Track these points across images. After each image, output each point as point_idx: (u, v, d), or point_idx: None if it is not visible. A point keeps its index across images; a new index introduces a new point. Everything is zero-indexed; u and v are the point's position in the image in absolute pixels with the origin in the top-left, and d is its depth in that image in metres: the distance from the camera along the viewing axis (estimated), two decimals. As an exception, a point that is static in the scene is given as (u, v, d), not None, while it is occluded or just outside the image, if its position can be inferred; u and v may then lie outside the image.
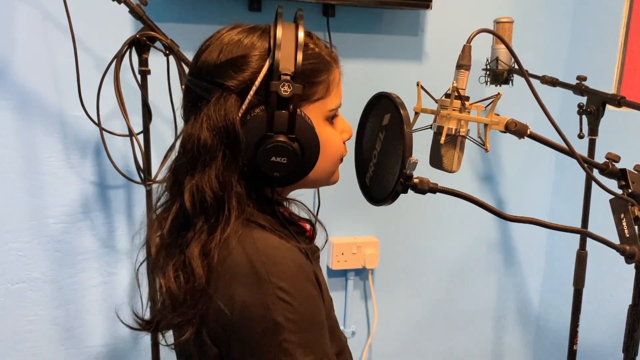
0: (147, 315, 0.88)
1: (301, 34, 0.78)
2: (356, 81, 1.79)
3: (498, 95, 0.90)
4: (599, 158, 1.38)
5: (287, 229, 0.82)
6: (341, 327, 1.95)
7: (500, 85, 1.73)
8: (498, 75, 1.69)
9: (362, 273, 1.96)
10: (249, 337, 0.71)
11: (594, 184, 1.52)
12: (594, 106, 1.41)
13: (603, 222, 1.55)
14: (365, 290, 1.98)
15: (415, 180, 0.81)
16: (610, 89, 1.87)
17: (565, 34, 2.01)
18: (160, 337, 0.84)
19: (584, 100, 1.46)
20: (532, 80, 1.63)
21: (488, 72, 1.71)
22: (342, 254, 1.87)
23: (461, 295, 2.10)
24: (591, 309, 1.83)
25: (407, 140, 0.79)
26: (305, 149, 0.78)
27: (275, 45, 0.76)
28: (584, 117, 1.44)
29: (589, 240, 1.62)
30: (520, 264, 2.15)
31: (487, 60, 1.73)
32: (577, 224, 1.59)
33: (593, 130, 1.43)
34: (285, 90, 0.75)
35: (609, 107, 1.43)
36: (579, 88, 1.45)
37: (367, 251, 1.89)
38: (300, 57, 0.76)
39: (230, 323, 0.73)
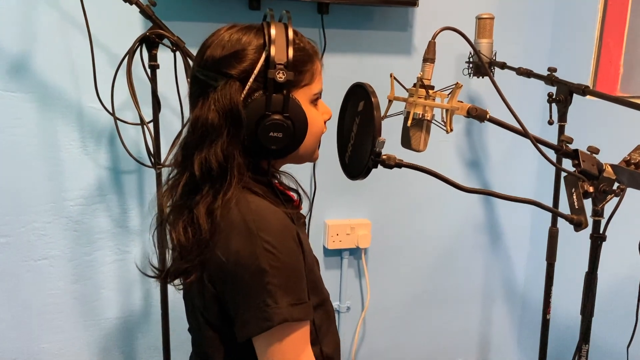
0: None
1: (290, 32, 0.93)
2: (349, 74, 1.93)
3: (457, 85, 1.04)
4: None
5: (277, 196, 0.97)
6: (337, 303, 2.12)
7: (482, 77, 1.87)
8: (480, 67, 1.83)
9: (355, 252, 2.10)
10: (241, 279, 0.87)
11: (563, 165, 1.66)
12: (563, 95, 1.54)
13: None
14: (359, 269, 2.13)
15: (384, 157, 0.95)
16: (588, 79, 2.00)
17: (546, 29, 2.14)
18: (173, 282, 1.00)
19: (554, 89, 1.60)
20: (510, 71, 1.78)
21: (471, 65, 1.85)
22: (337, 234, 2.02)
23: (449, 274, 2.24)
24: (569, 282, 1.96)
25: (376, 123, 0.93)
26: (296, 126, 0.94)
27: (270, 41, 0.91)
28: (554, 105, 1.57)
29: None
30: (506, 244, 2.28)
31: (470, 53, 1.86)
32: (560, 207, 1.72)
33: (562, 117, 1.57)
34: (280, 76, 0.90)
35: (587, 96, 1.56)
36: (550, 78, 1.58)
37: (360, 232, 2.03)
38: (291, 50, 0.92)
39: (226, 268, 0.88)
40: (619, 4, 1.94)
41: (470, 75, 1.87)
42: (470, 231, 2.22)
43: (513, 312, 2.36)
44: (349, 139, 1.04)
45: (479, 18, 1.83)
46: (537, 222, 2.25)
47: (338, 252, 2.08)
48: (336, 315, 2.11)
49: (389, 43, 1.98)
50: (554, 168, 2.19)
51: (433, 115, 1.06)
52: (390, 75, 1.11)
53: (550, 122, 1.56)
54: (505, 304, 2.35)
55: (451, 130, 1.06)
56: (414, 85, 1.08)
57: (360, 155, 1.00)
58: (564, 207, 1.68)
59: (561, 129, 1.58)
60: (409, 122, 1.04)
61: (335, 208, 2.05)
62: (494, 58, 1.84)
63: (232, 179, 0.91)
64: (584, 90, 1.47)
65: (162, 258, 0.98)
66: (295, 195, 1.07)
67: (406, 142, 1.10)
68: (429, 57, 1.04)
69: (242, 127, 0.91)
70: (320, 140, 1.04)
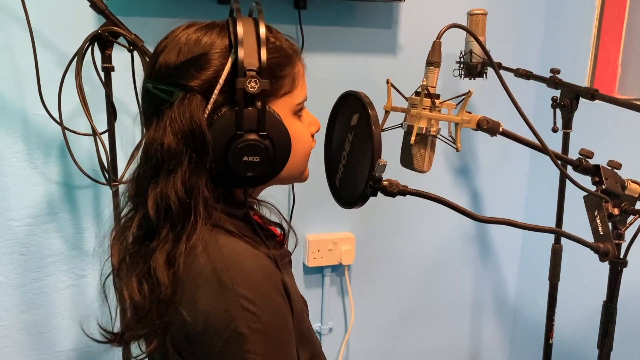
0: (117, 327, 0.85)
1: (263, 28, 0.75)
2: (328, 75, 1.76)
3: (469, 93, 0.88)
4: (573, 151, 1.38)
5: (257, 233, 0.79)
6: (318, 324, 1.94)
7: (474, 79, 1.72)
8: (472, 68, 1.67)
9: (338, 269, 1.94)
10: (212, 347, 0.69)
11: (567, 180, 1.52)
12: (568, 99, 1.40)
13: (577, 216, 1.55)
14: (342, 287, 1.96)
15: (385, 183, 0.78)
16: (584, 80, 1.87)
17: (538, 25, 2.00)
18: (133, 348, 0.81)
19: (557, 93, 1.45)
20: (505, 73, 1.63)
21: (462, 65, 1.69)
22: (318, 250, 1.85)
23: (438, 289, 2.09)
24: (566, 300, 1.84)
25: (375, 141, 0.76)
26: (277, 146, 0.76)
27: (237, 41, 0.73)
28: (558, 111, 1.43)
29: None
30: (496, 257, 2.15)
31: (461, 53, 1.71)
32: (552, 217, 1.59)
33: (567, 124, 1.42)
34: (252, 86, 0.73)
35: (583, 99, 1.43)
36: (553, 81, 1.43)
37: (343, 247, 1.87)
38: (264, 51, 0.74)
39: (194, 332, 0.71)
40: (617, -1, 1.81)
41: (461, 77, 1.71)
42: (458, 243, 2.08)
43: (503, 328, 2.23)
44: (340, 158, 0.87)
45: (470, 14, 1.67)
46: (528, 234, 2.12)
47: (319, 270, 1.91)
48: (317, 337, 1.94)
49: (373, 41, 1.82)
50: (545, 176, 2.07)
51: (439, 130, 0.90)
52: (387, 82, 0.94)
53: (555, 130, 1.41)
54: (496, 320, 2.21)
55: (460, 148, 0.89)
56: (416, 93, 0.91)
57: (354, 179, 0.83)
58: (567, 222, 1.56)
59: (565, 137, 1.43)
60: (413, 138, 0.87)
61: (315, 221, 1.88)
62: (486, 58, 1.69)
63: (198, 218, 0.72)
64: (592, 94, 1.32)
65: (122, 317, 0.78)
66: (278, 230, 0.89)
67: (407, 162, 0.93)
68: (434, 60, 0.87)
69: (208, 152, 0.73)
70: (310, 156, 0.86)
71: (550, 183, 2.03)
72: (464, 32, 1.70)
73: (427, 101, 0.87)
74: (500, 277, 2.17)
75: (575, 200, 1.54)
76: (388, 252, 1.99)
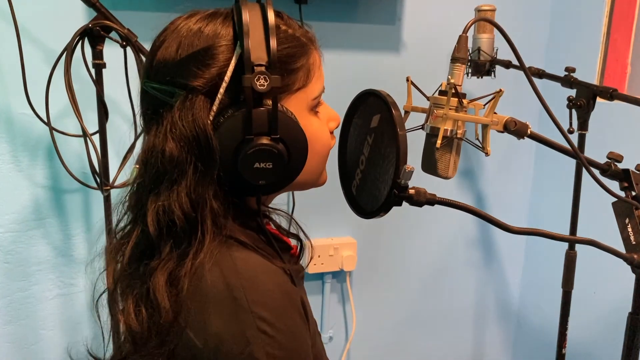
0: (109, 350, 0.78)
1: (271, 15, 0.67)
2: (330, 73, 1.67)
3: (500, 92, 0.81)
4: (588, 153, 1.31)
5: (272, 245, 0.72)
6: (318, 333, 1.87)
7: (481, 77, 1.65)
8: (480, 66, 1.61)
9: (339, 275, 1.86)
10: None
11: (583, 182, 1.46)
12: (584, 99, 1.33)
13: (584, 218, 1.49)
14: (342, 294, 1.89)
15: (411, 192, 0.71)
16: (593, 78, 1.81)
17: (545, 22, 1.94)
18: None
19: (570, 92, 1.39)
20: (514, 71, 1.56)
21: (469, 63, 1.62)
22: (319, 256, 1.77)
23: (440, 294, 2.03)
24: (574, 306, 1.78)
25: (401, 145, 0.69)
26: (292, 150, 0.68)
27: (242, 32, 0.65)
28: (574, 111, 1.36)
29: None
30: (499, 261, 2.09)
31: (469, 50, 1.64)
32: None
33: (583, 125, 1.36)
34: (262, 84, 0.64)
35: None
36: (568, 80, 1.37)
37: (345, 253, 1.79)
38: (274, 42, 0.66)
39: (202, 358, 0.63)
40: (627, -5, 1.75)
41: (468, 75, 1.65)
42: (462, 248, 2.01)
43: (507, 333, 2.17)
44: (358, 163, 0.80)
45: (479, 10, 1.60)
46: (532, 238, 2.06)
47: (319, 276, 1.84)
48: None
49: (375, 38, 1.74)
50: (551, 176, 2.01)
51: (464, 132, 0.83)
52: (407, 79, 0.87)
53: (571, 131, 1.35)
54: (499, 325, 2.15)
55: (489, 152, 0.83)
56: (440, 92, 0.83)
57: (375, 186, 0.76)
58: (583, 227, 1.50)
59: (581, 139, 1.37)
60: (439, 141, 0.80)
61: (315, 225, 1.80)
62: (495, 55, 1.63)
63: (205, 234, 0.64)
64: (611, 94, 1.26)
65: (115, 345, 0.70)
66: (292, 241, 0.82)
67: (430, 167, 0.86)
68: (460, 56, 0.80)
69: (215, 160, 0.65)
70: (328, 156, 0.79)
71: (554, 185, 1.98)
72: (471, 29, 1.64)
73: (454, 101, 0.80)
74: (504, 282, 2.11)
75: (583, 204, 1.49)
76: (391, 258, 1.92)
